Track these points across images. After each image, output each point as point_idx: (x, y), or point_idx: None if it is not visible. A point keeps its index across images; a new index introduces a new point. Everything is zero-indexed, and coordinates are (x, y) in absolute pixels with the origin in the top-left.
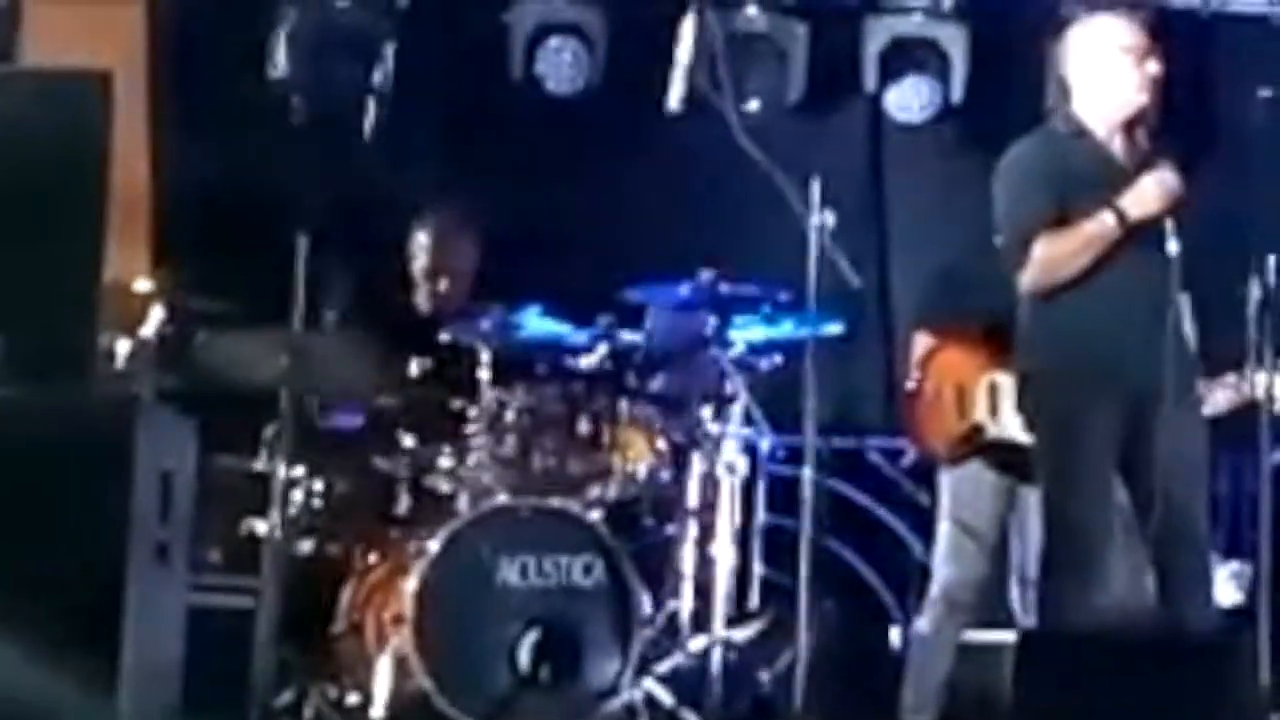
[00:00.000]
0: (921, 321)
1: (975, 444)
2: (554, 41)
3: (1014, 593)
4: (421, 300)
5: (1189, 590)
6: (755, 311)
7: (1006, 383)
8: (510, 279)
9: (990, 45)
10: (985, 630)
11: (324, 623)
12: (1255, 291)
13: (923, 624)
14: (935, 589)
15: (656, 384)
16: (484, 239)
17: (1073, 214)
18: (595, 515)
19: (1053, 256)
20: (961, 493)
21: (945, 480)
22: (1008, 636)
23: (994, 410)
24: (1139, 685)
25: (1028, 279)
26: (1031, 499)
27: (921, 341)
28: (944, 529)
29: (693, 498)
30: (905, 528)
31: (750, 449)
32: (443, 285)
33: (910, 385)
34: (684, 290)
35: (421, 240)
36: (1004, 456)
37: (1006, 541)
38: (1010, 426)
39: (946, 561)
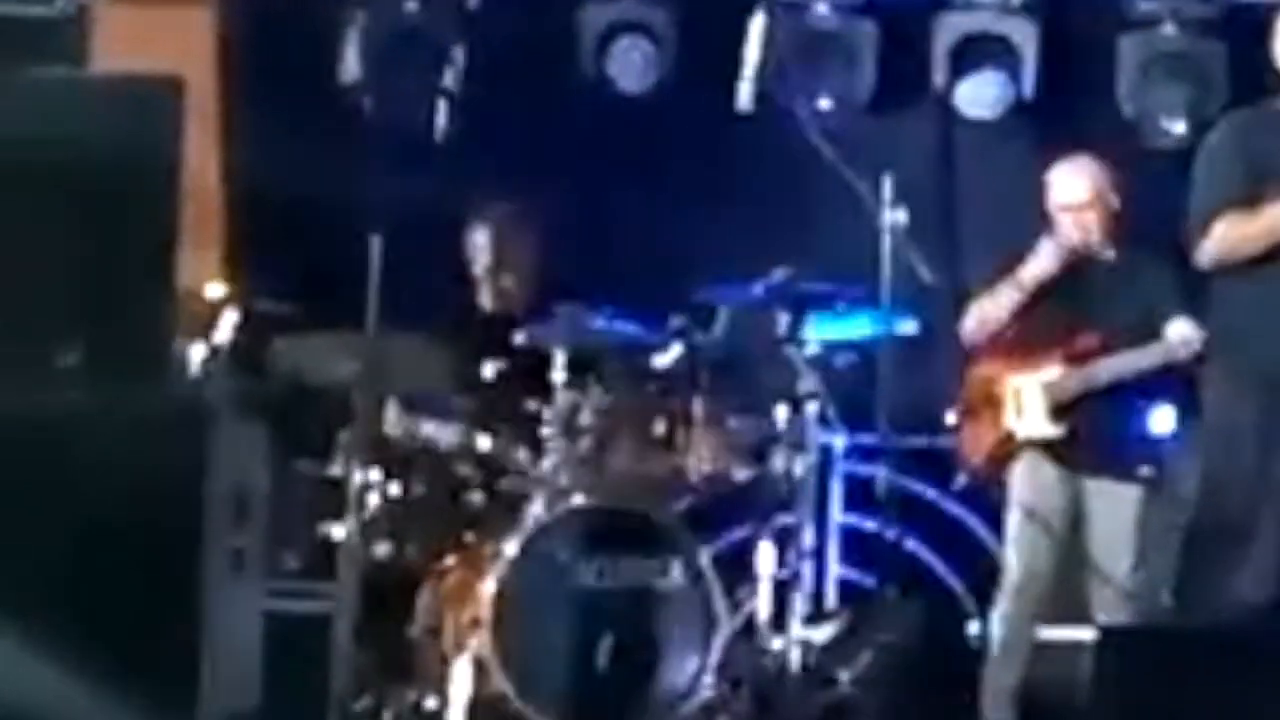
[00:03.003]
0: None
1: (1009, 450)
2: (624, 41)
3: (1091, 588)
4: (486, 299)
5: None
6: (829, 310)
7: (1029, 383)
8: (583, 279)
9: (1060, 39)
10: (1062, 627)
11: (401, 627)
12: None
13: (997, 620)
14: (1007, 583)
15: (730, 383)
16: (544, 235)
17: (1269, 195)
18: (672, 516)
19: (1233, 236)
20: (1027, 486)
21: (1015, 472)
22: (1085, 634)
23: (1019, 412)
24: (1225, 683)
25: (1203, 254)
26: (1099, 492)
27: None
28: (1013, 522)
29: (768, 497)
30: (981, 524)
31: (825, 448)
32: (505, 282)
33: (953, 417)
34: (757, 289)
35: (479, 238)
36: (1059, 450)
37: (1076, 534)
38: (1037, 425)
39: (1016, 555)
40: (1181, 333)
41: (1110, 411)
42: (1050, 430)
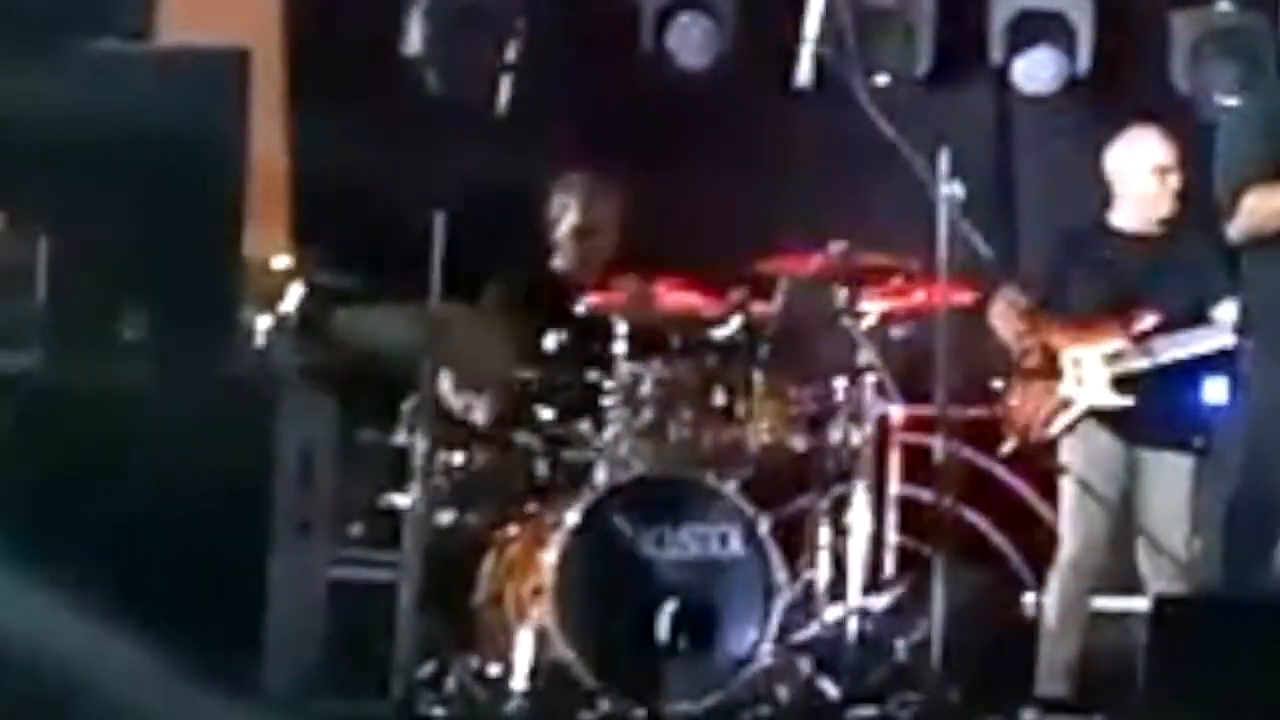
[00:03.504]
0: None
1: (1065, 419)
2: (684, 17)
3: (1142, 557)
4: (567, 263)
5: None
6: (886, 283)
7: (1090, 354)
8: (643, 252)
9: (1115, 15)
10: (1117, 597)
11: (464, 595)
12: None
13: (1052, 593)
14: (1062, 557)
15: (789, 355)
16: (625, 204)
17: None
18: (732, 486)
19: (1261, 209)
20: (1081, 457)
21: (1066, 444)
22: (1139, 603)
23: (1080, 381)
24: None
25: (1235, 228)
26: (1155, 463)
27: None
28: (1068, 494)
29: (827, 468)
30: (1037, 496)
31: (883, 419)
32: (593, 244)
33: (1000, 382)
34: (815, 262)
35: (567, 201)
36: (1116, 419)
37: (1129, 504)
38: (1099, 395)
39: (1071, 527)
40: (1230, 314)
41: (1168, 384)
42: (1113, 400)
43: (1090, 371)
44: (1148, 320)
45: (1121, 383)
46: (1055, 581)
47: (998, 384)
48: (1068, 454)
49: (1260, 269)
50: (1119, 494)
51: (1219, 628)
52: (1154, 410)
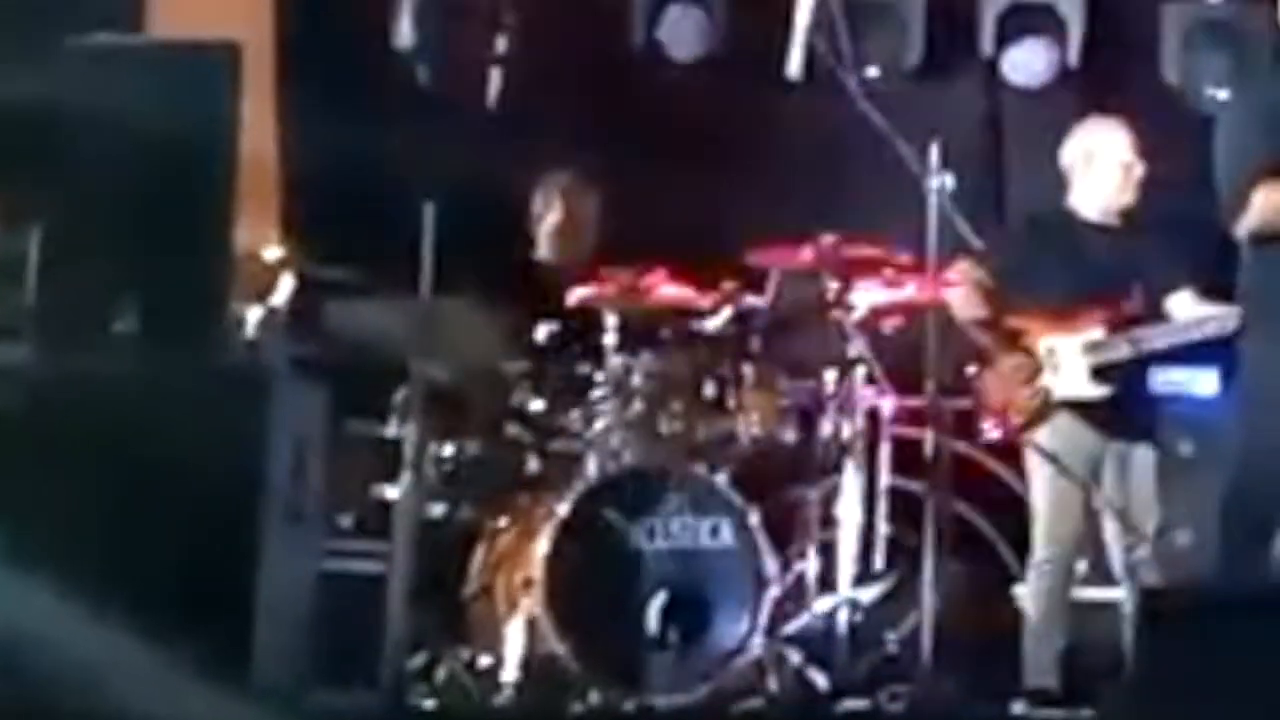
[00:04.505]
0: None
1: (1040, 408)
2: (675, 9)
3: (1114, 550)
4: (549, 256)
5: None
6: (877, 275)
7: (1066, 343)
8: (634, 244)
9: (1105, 7)
10: (1099, 588)
11: (455, 587)
12: None
13: (1031, 585)
14: (1037, 548)
15: (780, 347)
16: (604, 201)
17: None
18: (722, 478)
19: (1271, 204)
20: (1056, 448)
21: (1040, 435)
22: (1119, 593)
23: (1055, 370)
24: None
25: (1244, 226)
26: (1126, 455)
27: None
28: (1039, 486)
29: (817, 460)
30: (1026, 488)
31: (873, 411)
32: (574, 240)
33: (971, 369)
34: (806, 254)
35: (551, 197)
36: (1094, 413)
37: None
38: (1077, 385)
39: (1045, 518)
40: (1185, 305)
41: (1148, 375)
42: (1092, 391)
43: (1067, 360)
44: (1134, 306)
45: (1104, 373)
46: (1033, 576)
47: (970, 369)
48: (1045, 440)
49: (1263, 264)
50: (1093, 486)
51: (1209, 620)
52: (1135, 402)
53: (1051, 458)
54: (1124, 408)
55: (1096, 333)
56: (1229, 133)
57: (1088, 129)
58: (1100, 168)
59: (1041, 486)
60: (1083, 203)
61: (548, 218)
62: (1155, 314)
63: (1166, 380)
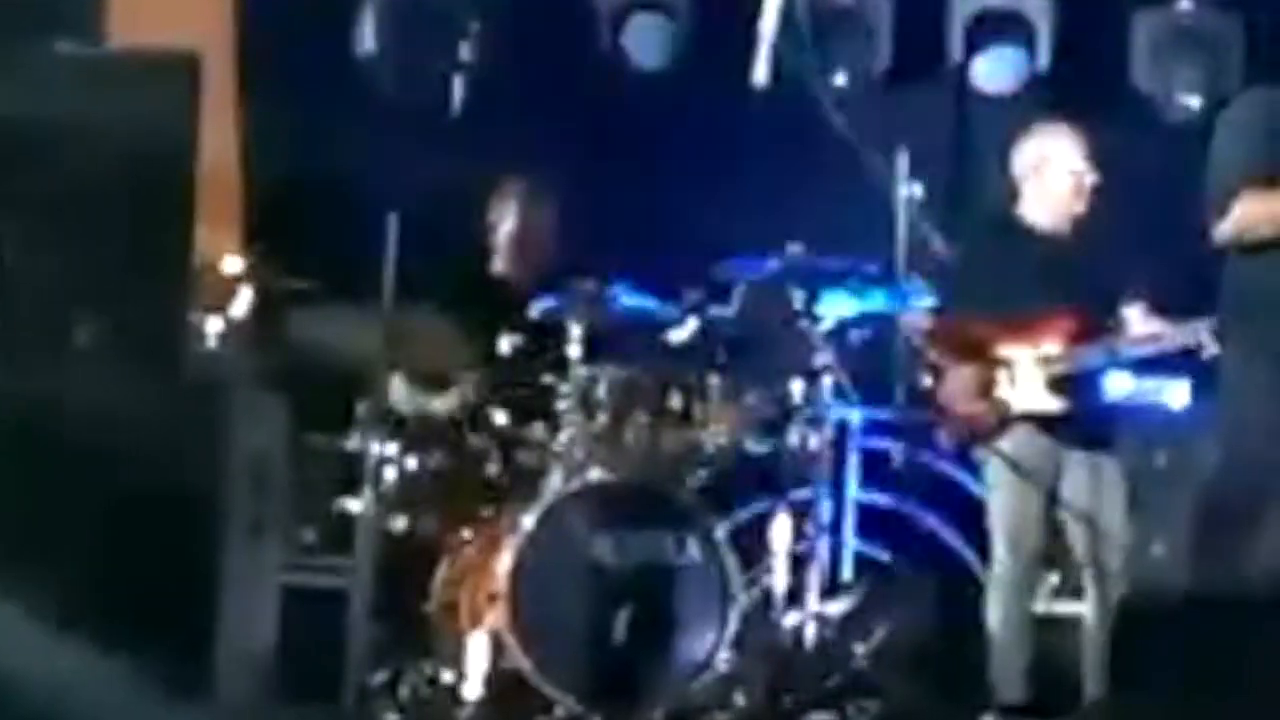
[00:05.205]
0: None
1: (998, 420)
2: (640, 17)
3: (1085, 562)
4: (506, 269)
5: None
6: (844, 285)
7: (1023, 355)
8: (599, 255)
9: (1075, 14)
10: (1063, 601)
11: (418, 601)
12: None
13: (992, 602)
14: (998, 566)
15: (746, 358)
16: (562, 210)
17: None
18: (688, 491)
19: (1252, 214)
20: (1017, 460)
21: (1001, 448)
22: (1083, 607)
23: (1013, 382)
24: (1242, 653)
25: (1221, 232)
26: (1087, 465)
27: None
28: (996, 501)
29: (784, 472)
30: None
31: (841, 423)
32: (530, 253)
33: (928, 380)
34: (773, 264)
35: (507, 208)
36: (1048, 423)
37: (1058, 506)
38: (1035, 399)
39: (1005, 534)
40: (1135, 317)
41: (1106, 387)
42: (1051, 405)
43: (1024, 373)
44: (1092, 319)
45: (1061, 385)
46: (993, 591)
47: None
48: (998, 461)
49: (1243, 273)
50: (1051, 497)
51: (1185, 628)
52: (1096, 414)
53: (1013, 464)
54: (1082, 419)
55: (1052, 346)
56: (1221, 141)
57: (1038, 137)
58: (1051, 176)
59: (1000, 500)
60: (1033, 211)
61: (502, 227)
62: (1106, 327)
63: (1137, 391)
